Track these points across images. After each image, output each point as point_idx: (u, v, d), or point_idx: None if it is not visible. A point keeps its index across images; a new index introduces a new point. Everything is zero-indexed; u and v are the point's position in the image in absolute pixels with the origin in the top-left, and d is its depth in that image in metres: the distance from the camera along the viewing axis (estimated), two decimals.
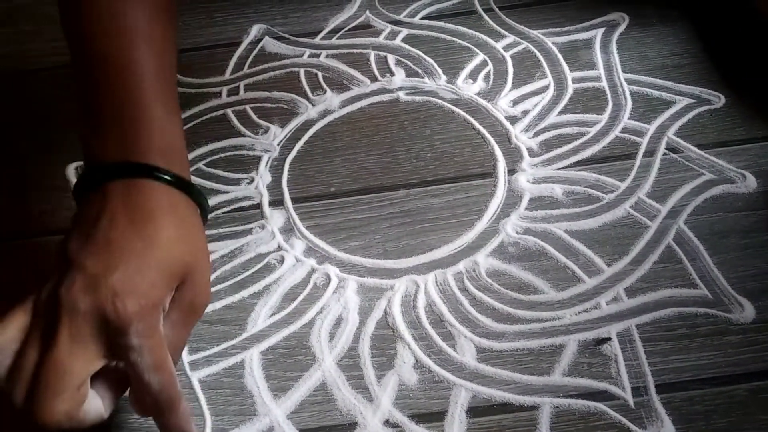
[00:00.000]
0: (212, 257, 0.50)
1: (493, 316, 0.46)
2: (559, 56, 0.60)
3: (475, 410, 0.42)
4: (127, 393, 0.38)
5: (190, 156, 0.56)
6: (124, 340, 0.35)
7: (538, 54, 0.60)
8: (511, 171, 0.53)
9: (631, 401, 0.41)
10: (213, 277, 0.49)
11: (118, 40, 0.40)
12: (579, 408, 0.41)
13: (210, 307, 0.47)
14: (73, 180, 0.55)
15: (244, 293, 0.48)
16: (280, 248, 0.50)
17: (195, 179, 0.55)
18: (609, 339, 0.43)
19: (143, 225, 0.37)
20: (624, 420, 0.40)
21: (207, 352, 0.46)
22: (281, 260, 0.50)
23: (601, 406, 0.41)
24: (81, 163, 0.56)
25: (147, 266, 0.36)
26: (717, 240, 0.47)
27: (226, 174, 0.55)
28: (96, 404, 0.36)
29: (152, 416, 0.38)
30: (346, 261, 0.49)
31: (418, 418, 0.42)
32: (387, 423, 0.42)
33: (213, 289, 0.48)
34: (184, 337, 0.39)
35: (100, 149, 0.39)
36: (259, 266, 0.49)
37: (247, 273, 0.49)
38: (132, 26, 0.41)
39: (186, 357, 0.45)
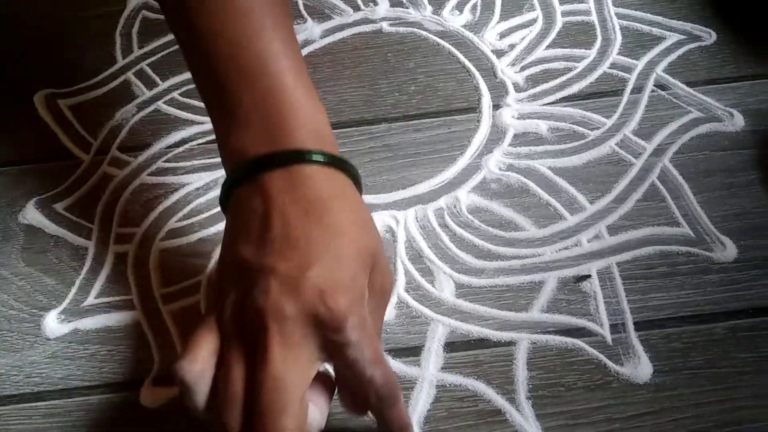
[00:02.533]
0: (187, 189, 0.49)
1: (473, 252, 0.45)
2: None
3: (452, 345, 0.41)
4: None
5: (165, 84, 0.55)
6: (341, 337, 0.32)
7: None
8: (496, 106, 0.52)
9: (608, 338, 0.41)
10: (188, 209, 0.48)
11: (246, 25, 0.37)
12: (556, 344, 0.41)
13: (184, 240, 0.47)
14: (42, 107, 0.54)
15: (220, 226, 0.47)
16: None
17: (169, 109, 0.53)
18: (589, 276, 0.43)
19: (320, 215, 0.34)
20: (601, 356, 0.40)
21: (180, 285, 0.45)
22: None
23: (578, 342, 0.41)
24: (51, 91, 0.54)
25: (342, 257, 0.33)
26: (701, 179, 0.47)
27: (201, 104, 0.53)
28: (314, 415, 0.34)
29: (373, 414, 0.34)
30: None
31: (395, 352, 0.41)
32: None
33: (188, 222, 0.47)
34: (381, 324, 0.37)
35: (246, 143, 0.35)
36: None
37: None
38: (254, 8, 0.37)
39: (158, 290, 0.45)
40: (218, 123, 0.38)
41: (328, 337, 0.32)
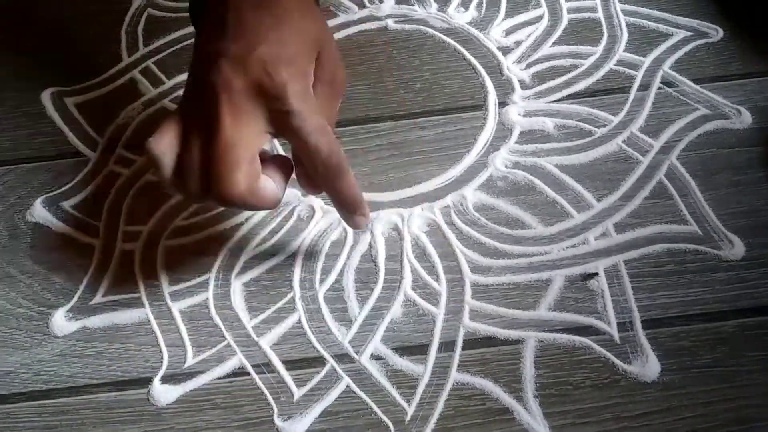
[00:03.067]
0: None
1: (480, 250, 0.45)
2: None
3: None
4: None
5: (171, 82, 0.55)
6: (283, 106, 0.36)
7: None
8: (502, 103, 0.52)
9: (616, 336, 0.41)
10: (193, 207, 0.48)
11: None
12: (564, 342, 0.41)
13: (191, 238, 0.47)
14: (49, 105, 0.54)
15: (227, 224, 0.47)
16: None
17: (175, 107, 0.53)
18: (596, 274, 0.43)
19: (269, 5, 0.38)
20: (609, 355, 0.40)
21: (188, 283, 0.45)
22: None
23: (586, 340, 0.41)
24: (57, 89, 0.54)
25: (286, 37, 0.38)
26: (709, 176, 0.46)
27: None
28: (270, 185, 0.38)
29: (323, 187, 0.39)
30: None
31: (402, 350, 0.41)
32: (371, 356, 0.41)
33: (194, 220, 0.47)
34: (334, 111, 0.41)
35: None
36: None
37: None
38: None
39: (166, 288, 0.45)
40: None
41: (272, 106, 0.36)
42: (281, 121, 0.37)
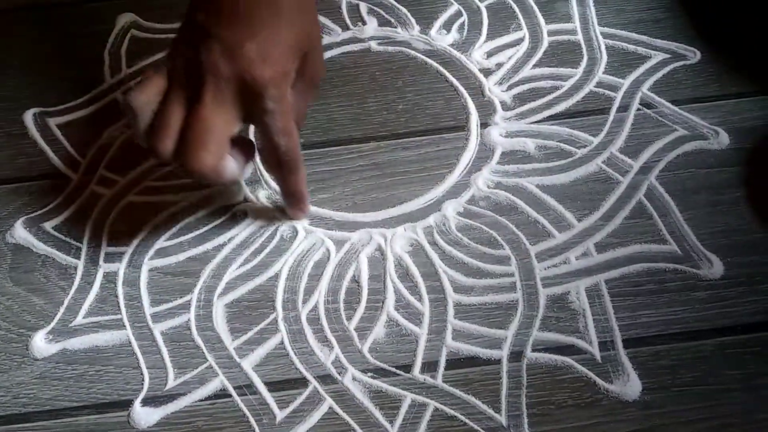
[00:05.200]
0: (176, 208, 0.49)
1: (463, 270, 0.45)
2: (535, 8, 0.59)
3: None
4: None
5: None
6: (260, 103, 0.40)
7: (514, 5, 0.59)
8: (484, 124, 0.52)
9: (598, 355, 0.41)
10: (176, 228, 0.48)
11: None
12: (546, 362, 0.41)
13: (173, 259, 0.47)
14: (31, 126, 0.53)
15: (209, 245, 0.47)
16: (246, 200, 0.49)
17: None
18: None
19: None
20: (590, 374, 0.40)
21: (170, 304, 0.45)
22: (247, 212, 0.48)
23: (568, 360, 0.41)
24: (40, 109, 0.54)
25: (278, 37, 0.40)
26: (688, 196, 0.47)
27: None
28: (232, 165, 0.41)
29: (275, 176, 0.45)
30: (314, 213, 0.48)
31: (385, 371, 0.41)
32: (354, 377, 0.41)
33: (176, 241, 0.47)
34: (305, 108, 0.45)
35: None
36: (224, 218, 0.48)
37: (212, 224, 0.48)
38: None
39: (148, 309, 0.44)
40: None
41: (250, 101, 0.40)
42: (254, 114, 0.41)
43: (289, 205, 0.47)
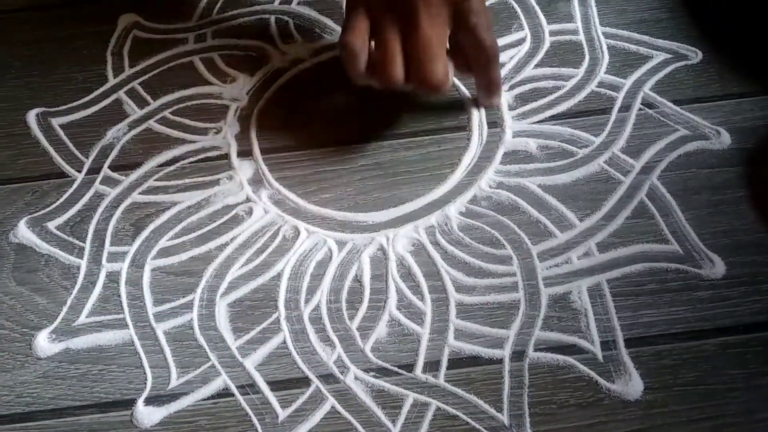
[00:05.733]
0: (178, 208, 0.49)
1: (465, 270, 0.45)
2: (537, 8, 0.58)
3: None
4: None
5: (157, 103, 0.54)
6: (467, 11, 0.46)
7: (515, 5, 0.59)
8: (490, 124, 0.52)
9: (599, 355, 0.41)
10: (179, 228, 0.48)
11: None
12: (548, 361, 0.41)
13: (176, 259, 0.47)
14: (34, 126, 0.54)
15: (211, 245, 0.47)
16: (248, 200, 0.49)
17: (160, 128, 0.53)
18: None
19: None
20: (592, 373, 0.41)
21: (173, 304, 0.45)
22: (249, 212, 0.49)
23: (570, 359, 0.41)
24: (42, 109, 0.54)
25: None
26: (689, 196, 0.47)
27: (193, 123, 0.53)
28: (450, 72, 0.47)
29: (478, 72, 0.49)
30: (316, 213, 0.48)
31: (387, 370, 0.41)
32: (356, 376, 0.41)
33: (179, 240, 0.48)
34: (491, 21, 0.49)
35: None
36: (226, 218, 0.48)
37: (215, 224, 0.48)
38: None
39: (151, 308, 0.45)
40: None
41: (459, 13, 0.46)
42: (463, 19, 0.46)
43: (489, 95, 0.52)
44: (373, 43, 0.47)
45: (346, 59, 0.47)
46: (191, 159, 0.51)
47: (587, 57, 0.55)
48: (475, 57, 0.48)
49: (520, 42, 0.57)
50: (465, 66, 0.49)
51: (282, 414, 0.41)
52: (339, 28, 0.58)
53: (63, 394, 0.42)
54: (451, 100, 0.54)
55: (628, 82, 0.53)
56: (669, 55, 0.55)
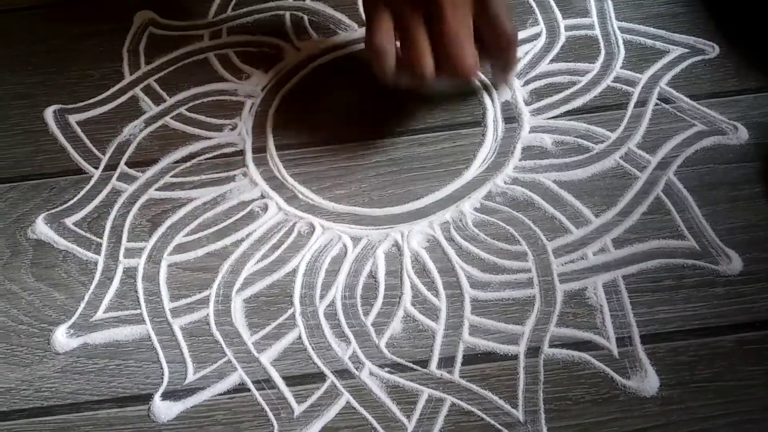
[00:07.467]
0: (194, 204, 0.49)
1: (479, 266, 0.45)
2: (552, 3, 0.58)
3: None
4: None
5: (173, 100, 0.55)
6: (488, 1, 0.47)
7: (531, 0, 0.59)
8: (507, 120, 0.52)
9: (615, 351, 0.41)
10: (195, 224, 0.48)
11: None
12: (563, 357, 0.41)
13: (192, 255, 0.47)
14: (51, 123, 0.54)
15: (227, 241, 0.47)
16: (263, 196, 0.49)
17: (176, 124, 0.53)
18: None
19: None
20: (608, 370, 0.40)
21: (189, 299, 0.45)
22: (265, 208, 0.49)
23: (585, 356, 0.41)
24: (60, 106, 0.55)
25: None
26: (706, 192, 0.47)
27: (208, 120, 0.54)
28: (477, 61, 0.47)
29: (497, 56, 0.50)
30: (331, 209, 0.48)
31: (402, 366, 0.42)
32: (371, 372, 0.42)
33: (195, 236, 0.48)
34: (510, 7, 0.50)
35: None
36: (242, 214, 0.49)
37: (230, 221, 0.48)
38: None
39: (167, 304, 0.45)
40: None
41: (480, 3, 0.47)
42: (483, 8, 0.47)
43: (505, 74, 0.53)
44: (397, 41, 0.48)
45: (377, 60, 0.47)
46: (207, 155, 0.52)
47: (603, 52, 0.55)
48: (496, 42, 0.49)
49: (535, 37, 0.56)
50: (485, 51, 0.50)
51: (297, 409, 0.41)
52: (353, 24, 0.59)
53: (81, 388, 0.42)
54: (465, 94, 0.53)
55: (645, 77, 0.53)
56: (685, 50, 0.54)
